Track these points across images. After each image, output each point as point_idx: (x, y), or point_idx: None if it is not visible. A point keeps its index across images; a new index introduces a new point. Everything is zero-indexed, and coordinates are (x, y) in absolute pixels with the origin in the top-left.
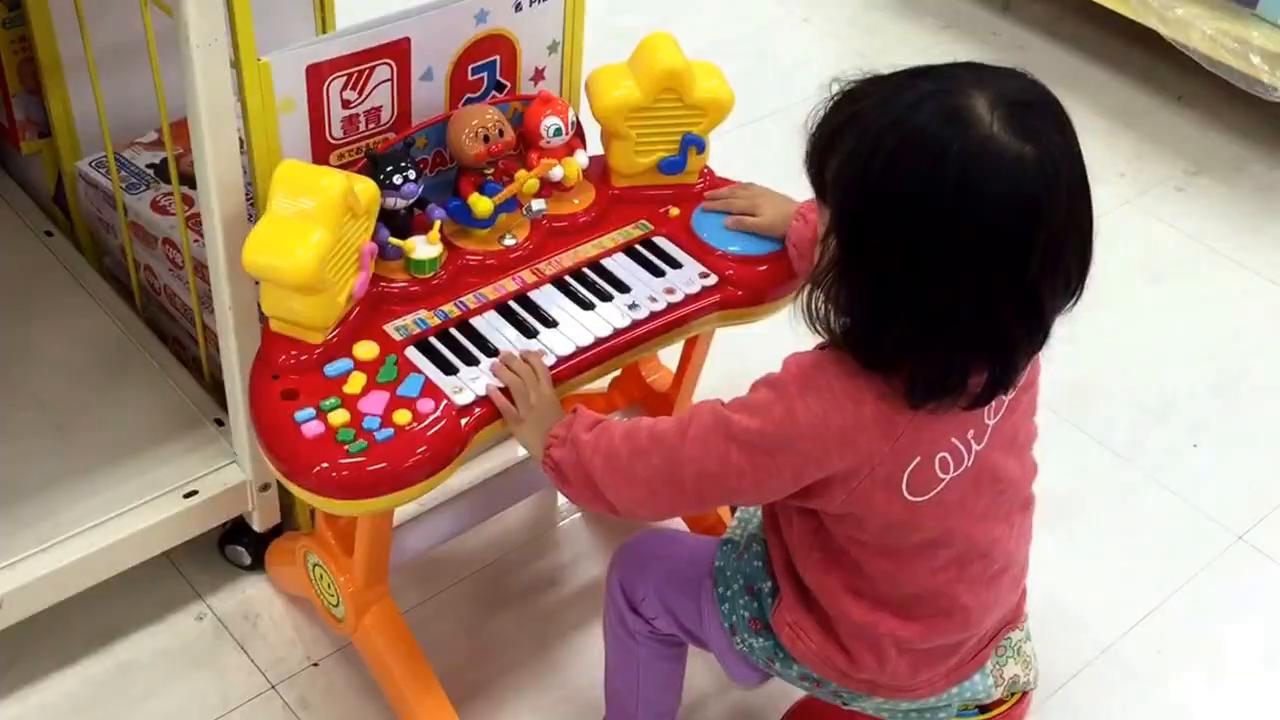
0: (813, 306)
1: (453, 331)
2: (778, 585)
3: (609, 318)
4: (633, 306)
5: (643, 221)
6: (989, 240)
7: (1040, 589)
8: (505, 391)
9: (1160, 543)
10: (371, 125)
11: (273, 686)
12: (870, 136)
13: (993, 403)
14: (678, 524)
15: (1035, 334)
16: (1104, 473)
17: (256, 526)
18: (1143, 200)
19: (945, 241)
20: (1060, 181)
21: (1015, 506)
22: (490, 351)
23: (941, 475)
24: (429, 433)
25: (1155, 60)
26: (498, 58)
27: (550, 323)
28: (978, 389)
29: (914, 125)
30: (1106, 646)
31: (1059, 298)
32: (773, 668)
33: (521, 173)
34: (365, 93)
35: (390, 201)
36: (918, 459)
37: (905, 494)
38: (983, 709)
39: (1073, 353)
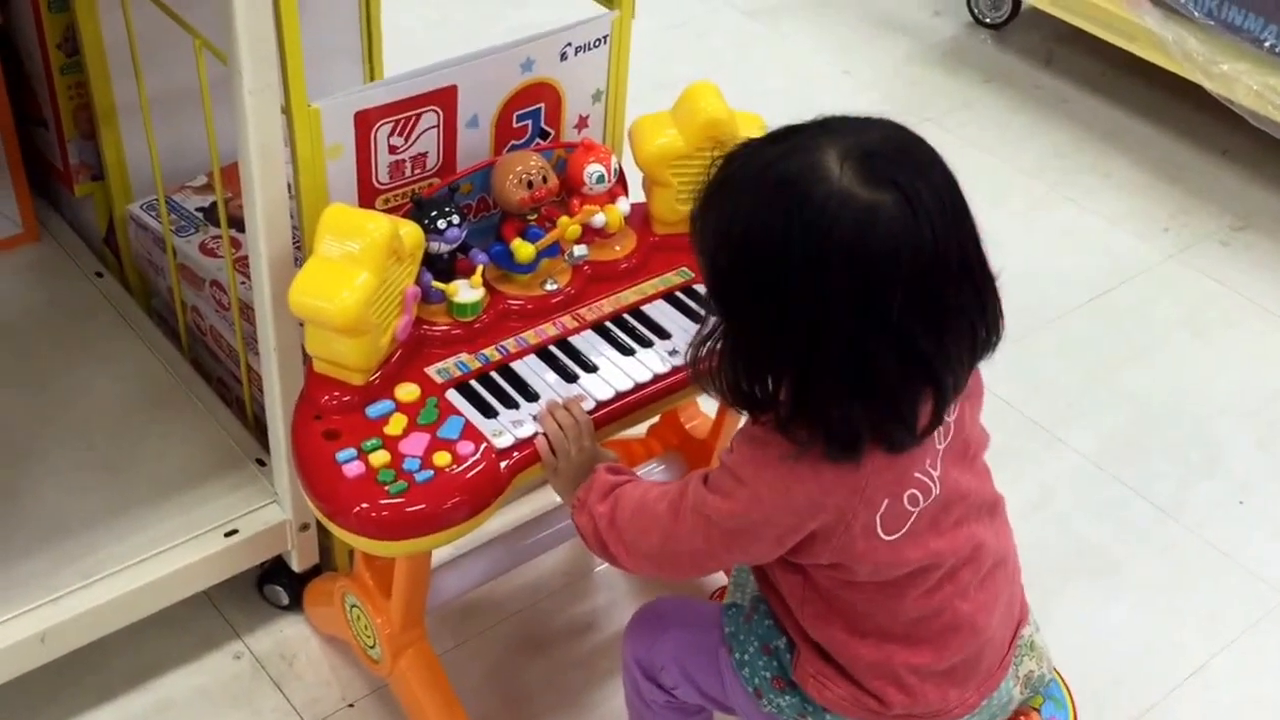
0: (697, 369)
1: (493, 375)
2: (792, 640)
3: (649, 363)
4: (672, 353)
5: (683, 268)
6: (846, 288)
7: (1083, 645)
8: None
9: (1206, 601)
10: (417, 171)
11: None
12: (731, 197)
13: (938, 429)
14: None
15: (922, 374)
16: (1148, 528)
17: (295, 566)
18: (1187, 255)
19: (803, 292)
20: (920, 222)
21: (983, 510)
22: (531, 395)
23: (910, 509)
24: (468, 475)
25: (1199, 114)
26: (543, 105)
27: (590, 368)
28: (924, 420)
29: (768, 181)
30: (1150, 706)
31: (948, 341)
32: None
33: (564, 219)
34: (412, 139)
35: (434, 246)
36: (886, 502)
37: (881, 535)
38: None
39: (1116, 407)
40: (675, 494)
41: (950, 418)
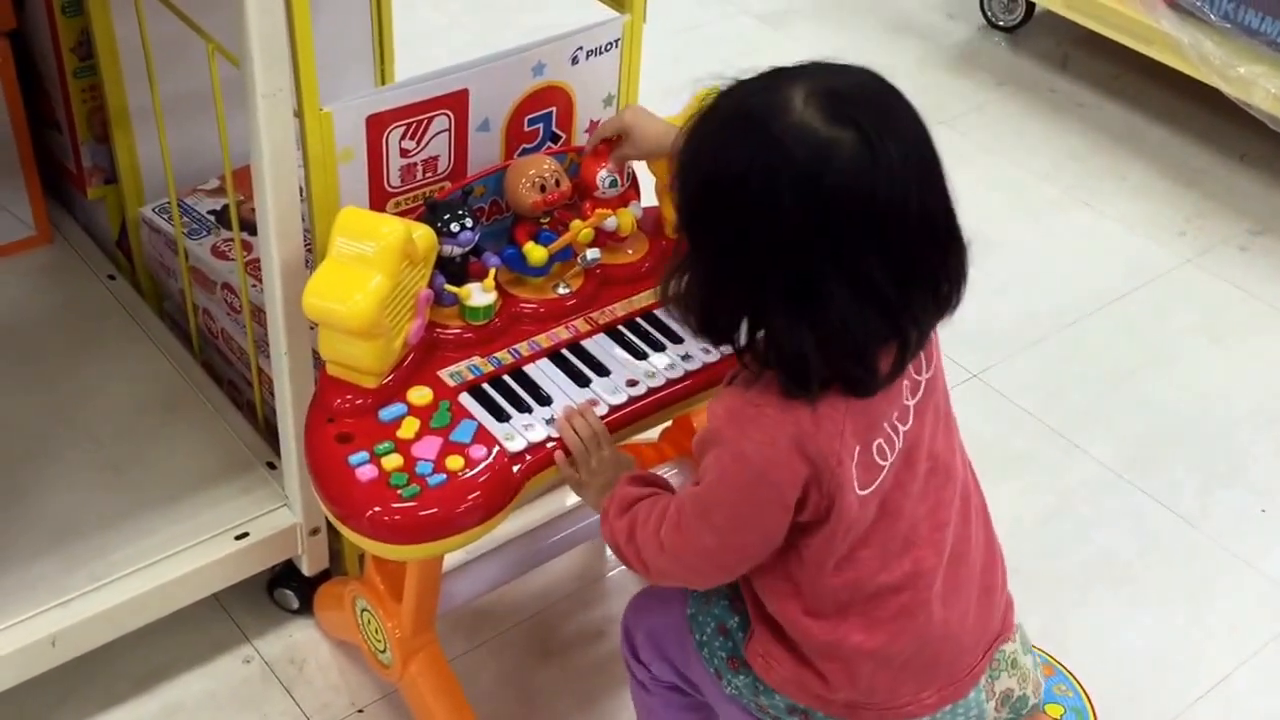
0: (666, 295)
1: (506, 378)
2: (747, 619)
3: (662, 367)
4: (685, 357)
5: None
6: (799, 221)
7: (1102, 656)
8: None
9: (1228, 611)
10: (428, 174)
11: None
12: (708, 128)
13: (905, 382)
14: None
15: (880, 317)
16: (1169, 537)
17: (305, 570)
18: (1204, 259)
19: (759, 223)
20: (879, 167)
21: (951, 484)
22: (543, 399)
23: (880, 462)
24: (481, 479)
25: (1217, 118)
26: (554, 109)
27: (603, 371)
28: (887, 369)
29: (739, 115)
30: (1172, 718)
31: (911, 288)
32: (760, 702)
33: (576, 222)
34: (423, 142)
35: (447, 249)
36: (858, 448)
37: (857, 490)
38: None
39: (1135, 413)
40: (673, 511)
41: (923, 376)
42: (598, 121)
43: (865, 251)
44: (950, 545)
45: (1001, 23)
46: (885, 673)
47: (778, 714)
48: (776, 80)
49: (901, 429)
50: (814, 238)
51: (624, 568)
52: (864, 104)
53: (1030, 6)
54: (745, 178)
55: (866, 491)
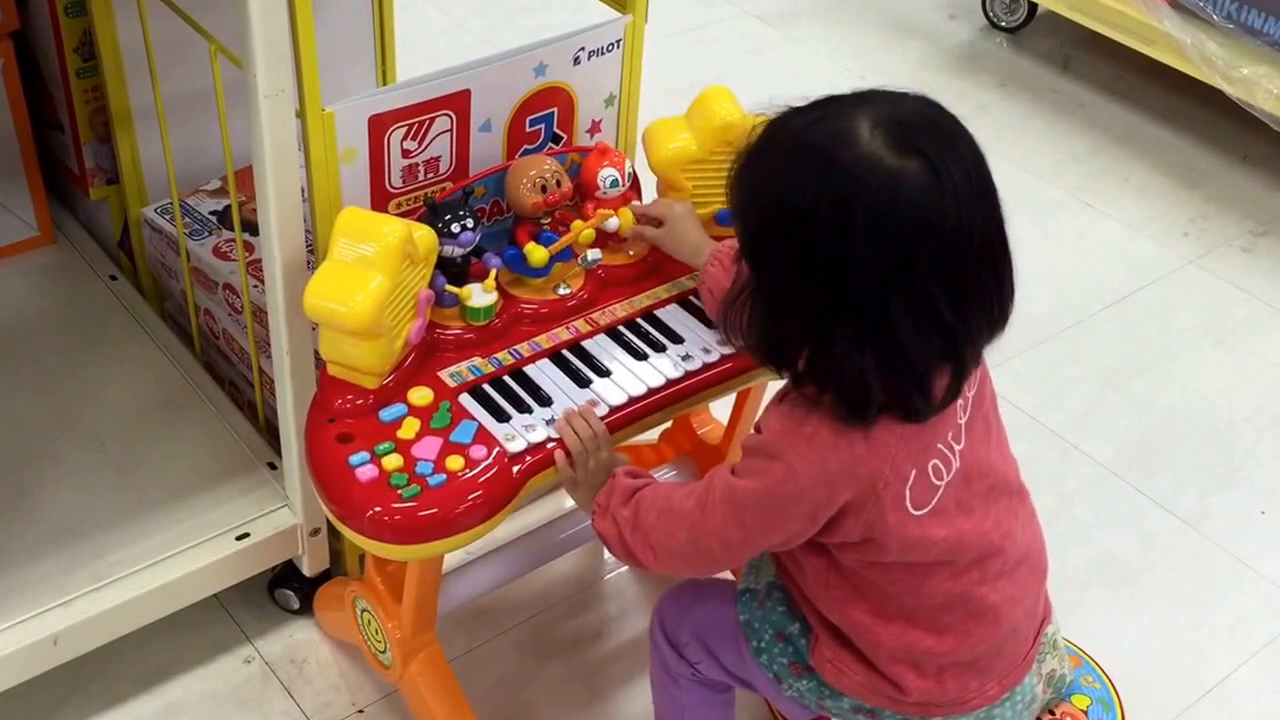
0: (729, 321)
1: (506, 379)
2: (808, 624)
3: (662, 368)
4: (686, 357)
5: (697, 273)
6: (868, 250)
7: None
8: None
9: (1227, 612)
10: (430, 175)
11: None
12: (766, 159)
13: (958, 401)
14: None
15: (941, 343)
16: (1169, 538)
17: (306, 571)
18: (1207, 260)
19: (828, 253)
20: (946, 193)
21: (1010, 496)
22: (543, 400)
23: (936, 483)
24: (481, 479)
25: (1219, 119)
26: (555, 110)
27: (603, 372)
28: (942, 393)
29: (800, 145)
30: (1172, 719)
31: (969, 312)
32: (825, 705)
33: (577, 223)
34: (425, 143)
35: (448, 249)
36: (914, 472)
37: (910, 510)
38: None
39: (1136, 415)
40: (701, 490)
41: (970, 392)
42: (599, 122)
43: (930, 277)
44: (1015, 550)
45: (1003, 23)
46: (955, 671)
47: (842, 714)
48: (838, 109)
49: (956, 448)
50: (883, 265)
51: (623, 569)
52: (927, 131)
53: (1032, 7)
54: (814, 208)
55: (922, 511)
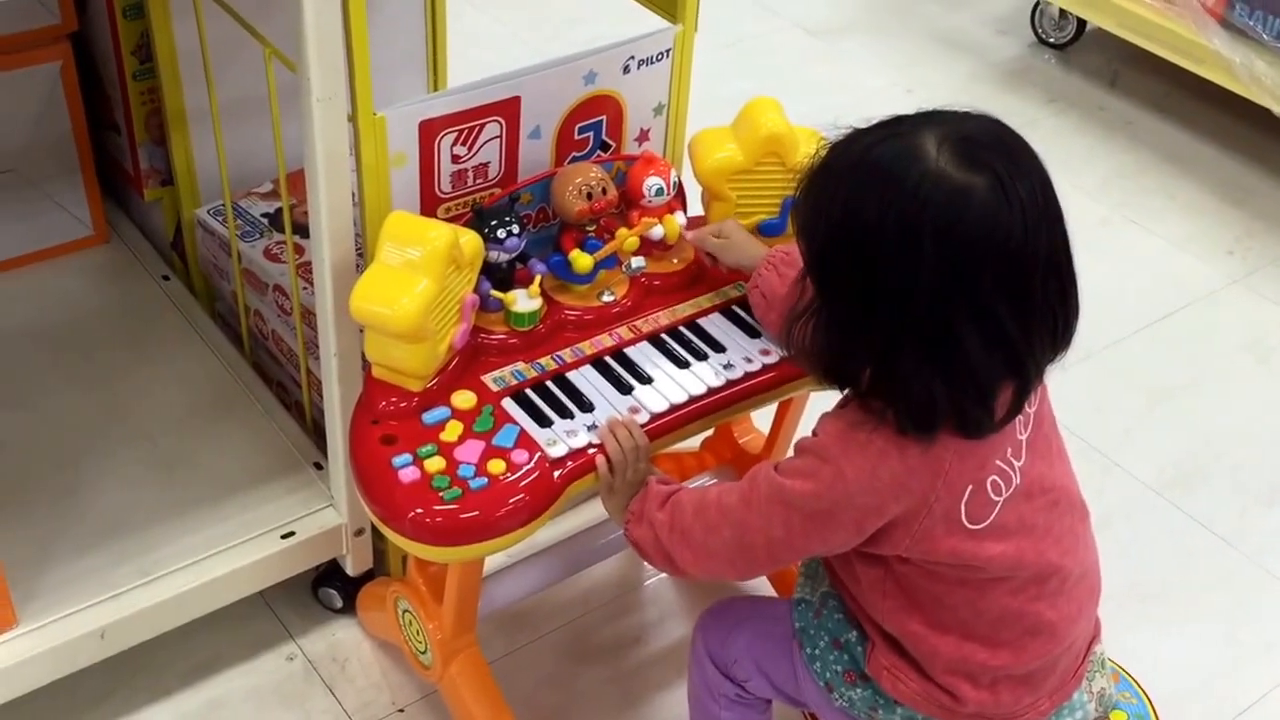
0: (793, 338)
1: (549, 384)
2: (864, 633)
3: (704, 376)
4: (728, 366)
5: (740, 282)
6: (936, 266)
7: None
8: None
9: (1266, 632)
10: (479, 180)
11: None
12: (832, 177)
13: (1019, 418)
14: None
15: (1005, 359)
16: (1207, 557)
17: (349, 570)
18: (1252, 279)
19: (895, 270)
20: (1013, 209)
21: (1072, 514)
22: (585, 406)
23: (995, 498)
24: (522, 483)
25: (1267, 138)
26: (604, 117)
27: (645, 379)
28: (1004, 409)
29: (866, 163)
30: None
31: (1034, 329)
32: (874, 716)
33: (622, 230)
34: (475, 148)
35: (493, 255)
36: (970, 487)
37: (966, 524)
38: None
39: (1176, 433)
40: (744, 487)
41: (1031, 409)
42: (647, 130)
43: (997, 293)
44: (1075, 568)
45: (1052, 40)
46: (1010, 684)
47: None
48: (903, 128)
49: (1017, 464)
50: (951, 283)
51: (663, 576)
52: (994, 148)
53: (1081, 24)
54: (881, 225)
55: (979, 526)
